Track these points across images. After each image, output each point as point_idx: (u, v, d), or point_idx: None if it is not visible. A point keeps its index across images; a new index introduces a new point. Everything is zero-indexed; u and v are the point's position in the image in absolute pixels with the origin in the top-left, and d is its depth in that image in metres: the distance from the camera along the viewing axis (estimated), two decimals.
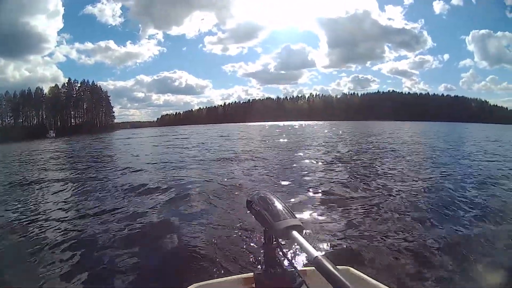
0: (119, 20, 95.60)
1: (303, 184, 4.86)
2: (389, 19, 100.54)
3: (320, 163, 7.14)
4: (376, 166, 6.55)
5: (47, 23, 78.80)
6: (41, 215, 3.84)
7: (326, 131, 25.40)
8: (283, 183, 5.04)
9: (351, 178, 5.29)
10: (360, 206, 3.59)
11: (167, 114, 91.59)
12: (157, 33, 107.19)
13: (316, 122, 60.95)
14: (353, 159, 7.76)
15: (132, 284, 2.13)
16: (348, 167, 6.48)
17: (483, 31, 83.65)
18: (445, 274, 2.12)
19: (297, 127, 37.21)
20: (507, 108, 79.29)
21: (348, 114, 76.01)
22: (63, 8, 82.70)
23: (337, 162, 7.31)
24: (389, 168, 6.34)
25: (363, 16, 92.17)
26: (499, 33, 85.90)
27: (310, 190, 4.48)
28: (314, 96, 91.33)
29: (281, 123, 54.72)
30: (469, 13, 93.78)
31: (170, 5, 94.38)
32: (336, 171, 6.02)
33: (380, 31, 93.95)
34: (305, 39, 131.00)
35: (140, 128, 70.81)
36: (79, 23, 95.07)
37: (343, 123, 52.98)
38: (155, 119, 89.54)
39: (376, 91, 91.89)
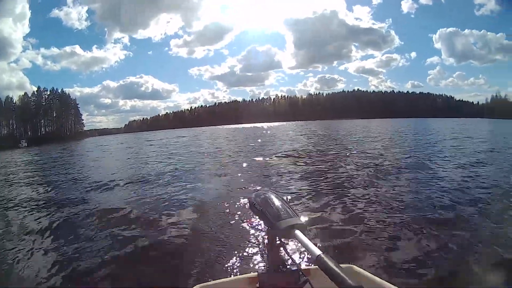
0: (85, 24, 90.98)
1: (304, 182, 4.88)
2: (357, 18, 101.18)
3: (318, 160, 7.20)
4: (373, 164, 6.39)
5: (13, 27, 72.52)
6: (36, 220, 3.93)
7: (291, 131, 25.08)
8: (284, 181, 5.07)
9: (350, 175, 5.31)
10: (362, 204, 3.64)
11: (134, 120, 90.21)
12: (123, 37, 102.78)
13: (280, 123, 61.26)
14: (349, 158, 7.71)
15: (138, 284, 2.22)
16: (345, 165, 6.46)
17: (450, 29, 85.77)
18: (448, 272, 2.13)
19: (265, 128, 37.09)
20: (473, 102, 79.29)
21: (314, 114, 76.41)
22: (30, 11, 77.07)
23: (334, 159, 7.34)
24: (388, 166, 6.22)
25: (331, 16, 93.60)
26: (467, 31, 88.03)
27: (312, 188, 4.50)
28: (280, 97, 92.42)
29: (248, 125, 54.98)
30: (437, 12, 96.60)
31: (136, 7, 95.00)
32: (335, 168, 6.04)
33: (347, 31, 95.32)
34: (271, 40, 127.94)
35: (108, 135, 71.21)
36: (45, 27, 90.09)
37: (306, 123, 52.96)
38: (123, 126, 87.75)
39: (342, 90, 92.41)
